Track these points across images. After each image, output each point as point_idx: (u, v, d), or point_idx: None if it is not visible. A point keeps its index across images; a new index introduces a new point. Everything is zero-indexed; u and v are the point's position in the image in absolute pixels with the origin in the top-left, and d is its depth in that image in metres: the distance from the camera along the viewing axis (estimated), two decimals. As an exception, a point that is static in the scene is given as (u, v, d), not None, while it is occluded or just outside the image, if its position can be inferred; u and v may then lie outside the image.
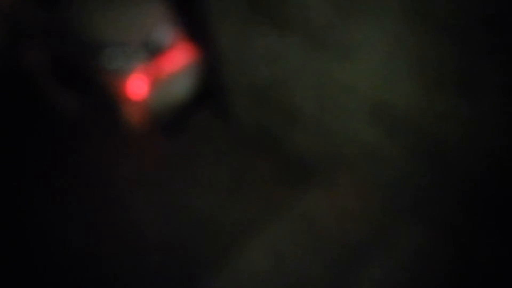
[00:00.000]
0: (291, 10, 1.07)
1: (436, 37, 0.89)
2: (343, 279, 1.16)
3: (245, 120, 1.42)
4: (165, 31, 1.28)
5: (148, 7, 1.27)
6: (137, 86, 1.26)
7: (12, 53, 1.19)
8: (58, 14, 1.20)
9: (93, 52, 1.23)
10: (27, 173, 1.37)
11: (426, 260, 1.13)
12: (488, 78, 0.87)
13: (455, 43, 0.84)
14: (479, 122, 0.96)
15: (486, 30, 0.79)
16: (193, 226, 1.31)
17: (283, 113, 1.34)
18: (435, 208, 1.14)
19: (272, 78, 1.28)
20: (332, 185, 1.32)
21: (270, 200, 1.33)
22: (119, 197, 1.35)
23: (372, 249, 1.17)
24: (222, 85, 1.36)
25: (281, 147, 1.41)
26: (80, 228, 1.31)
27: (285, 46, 1.16)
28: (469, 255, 1.11)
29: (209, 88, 1.38)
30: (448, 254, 1.16)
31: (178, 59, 1.31)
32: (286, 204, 1.33)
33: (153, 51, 1.27)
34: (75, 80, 1.31)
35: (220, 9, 1.19)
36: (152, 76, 1.28)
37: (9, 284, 1.20)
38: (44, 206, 1.33)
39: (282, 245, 1.26)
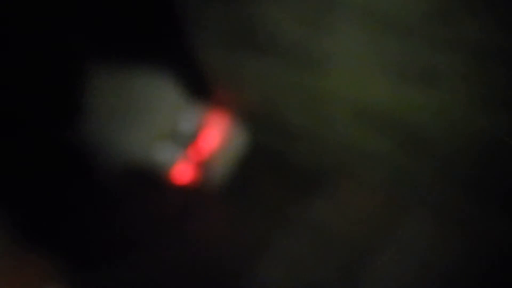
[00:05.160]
0: (264, 33, 1.15)
1: (398, 38, 0.95)
2: (355, 277, 1.21)
3: (253, 142, 1.48)
4: (191, 115, 1.34)
5: (169, 98, 1.32)
6: (183, 174, 1.33)
7: None
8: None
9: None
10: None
11: (432, 245, 1.17)
12: (448, 70, 0.93)
13: (413, 41, 0.91)
14: (450, 109, 1.01)
15: (439, 26, 0.85)
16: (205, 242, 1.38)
17: (281, 130, 1.40)
18: (437, 197, 1.18)
19: (265, 100, 1.35)
20: (336, 192, 1.38)
21: (277, 213, 1.39)
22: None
23: (382, 244, 1.22)
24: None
25: (284, 162, 1.47)
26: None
27: (267, 68, 1.23)
28: (475, 240, 1.15)
29: None
30: (455, 240, 1.20)
31: (215, 134, 1.38)
32: (293, 215, 1.38)
33: (188, 137, 1.34)
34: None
35: (208, 43, 1.27)
36: (196, 159, 1.35)
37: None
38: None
39: (293, 255, 1.31)
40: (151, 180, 1.41)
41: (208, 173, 1.40)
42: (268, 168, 1.48)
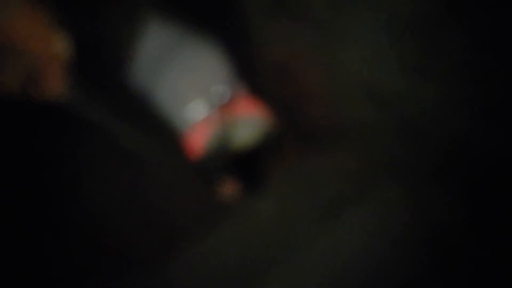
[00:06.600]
0: (299, 7, 1.35)
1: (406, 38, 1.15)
2: (328, 223, 1.45)
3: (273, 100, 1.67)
4: (226, 84, 1.37)
5: (208, 62, 1.36)
6: (198, 136, 1.36)
7: None
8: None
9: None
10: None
11: (391, 214, 1.40)
12: (448, 65, 1.12)
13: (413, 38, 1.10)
14: (445, 103, 1.21)
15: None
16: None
17: (300, 91, 1.61)
18: (411, 172, 1.39)
19: (291, 61, 1.55)
20: (333, 152, 1.59)
21: (280, 161, 1.61)
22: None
23: (354, 203, 1.45)
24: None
25: (296, 119, 1.68)
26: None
27: (297, 33, 1.44)
28: (430, 214, 1.36)
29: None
30: (420, 213, 1.41)
31: (240, 111, 1.41)
32: (293, 167, 1.61)
33: (215, 103, 1.36)
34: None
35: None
36: (214, 125, 1.38)
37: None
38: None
39: (286, 198, 1.54)
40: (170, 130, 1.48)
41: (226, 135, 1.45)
42: (283, 125, 1.69)
